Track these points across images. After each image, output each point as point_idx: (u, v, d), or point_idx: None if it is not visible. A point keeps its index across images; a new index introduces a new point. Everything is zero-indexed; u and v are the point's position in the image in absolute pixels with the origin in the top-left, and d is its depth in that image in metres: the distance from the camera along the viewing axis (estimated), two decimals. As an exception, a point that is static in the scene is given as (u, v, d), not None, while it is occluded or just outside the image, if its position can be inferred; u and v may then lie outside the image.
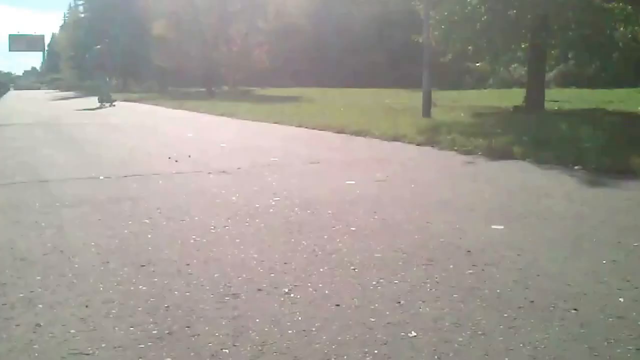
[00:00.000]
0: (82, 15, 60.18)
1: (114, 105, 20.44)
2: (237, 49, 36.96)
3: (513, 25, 14.65)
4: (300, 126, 11.67)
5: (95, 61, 21.15)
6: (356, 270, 2.98)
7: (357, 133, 9.87)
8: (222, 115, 15.52)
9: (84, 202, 4.63)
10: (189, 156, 7.20)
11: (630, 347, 2.14)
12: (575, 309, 2.48)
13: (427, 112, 12.82)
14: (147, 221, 4.01)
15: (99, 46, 21.69)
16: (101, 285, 2.76)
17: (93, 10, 55.68)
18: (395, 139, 8.98)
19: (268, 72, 41.98)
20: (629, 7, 14.36)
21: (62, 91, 48.08)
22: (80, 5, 61.40)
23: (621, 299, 2.60)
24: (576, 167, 6.21)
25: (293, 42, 48.67)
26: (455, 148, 7.76)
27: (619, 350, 2.12)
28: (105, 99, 20.80)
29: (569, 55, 27.29)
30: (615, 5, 14.34)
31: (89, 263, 3.10)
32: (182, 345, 2.16)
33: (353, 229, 3.80)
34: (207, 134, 10.68)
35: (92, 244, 3.46)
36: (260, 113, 14.69)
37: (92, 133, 10.79)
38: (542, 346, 2.14)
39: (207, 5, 35.27)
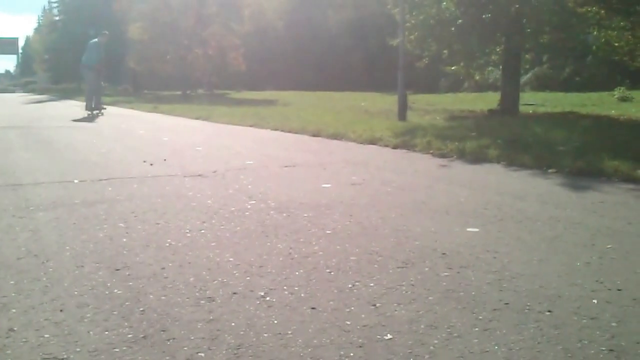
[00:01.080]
0: (57, 18, 59.67)
1: (103, 114, 16.67)
2: (213, 51, 36.83)
3: (488, 29, 14.78)
4: (276, 129, 11.66)
5: (94, 56, 16.58)
6: (332, 273, 2.98)
7: (333, 136, 9.89)
8: (197, 118, 15.46)
9: (58, 205, 4.58)
10: (165, 160, 7.16)
11: (604, 348, 2.16)
12: (549, 311, 2.50)
13: (402, 115, 12.89)
14: (122, 225, 3.98)
15: (96, 39, 17.03)
16: (76, 290, 2.74)
17: (67, 13, 55.25)
18: (371, 142, 9.01)
19: (244, 75, 41.88)
20: (602, 11, 14.57)
21: (36, 94, 47.53)
22: (54, 8, 60.92)
23: (595, 301, 2.63)
24: (550, 170, 6.28)
25: (269, 45, 48.65)
26: (431, 151, 7.81)
27: (592, 351, 2.14)
28: (96, 105, 16.95)
29: (544, 59, 27.62)
30: (589, 9, 14.54)
31: (63, 267, 3.07)
32: (157, 349, 2.15)
33: (329, 232, 3.80)
34: (182, 137, 10.62)
35: (67, 247, 3.42)
36: (236, 116, 14.66)
37: (67, 136, 10.67)
38: (517, 348, 2.16)
39: (182, 7, 35.12)
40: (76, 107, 20.36)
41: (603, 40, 15.75)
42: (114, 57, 43.84)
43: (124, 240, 3.60)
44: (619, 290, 2.75)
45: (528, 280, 2.87)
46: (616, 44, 15.81)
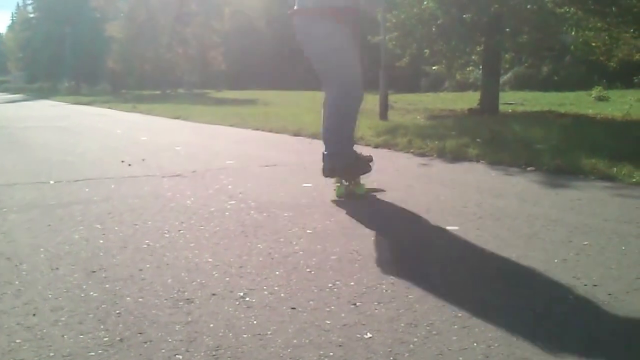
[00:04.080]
0: (31, 15, 59.06)
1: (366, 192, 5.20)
2: (193, 50, 36.70)
3: (468, 29, 14.85)
4: (256, 129, 11.63)
5: None
6: (312, 272, 2.96)
7: (314, 135, 9.86)
8: (177, 118, 15.39)
9: (32, 207, 4.52)
10: (143, 160, 7.10)
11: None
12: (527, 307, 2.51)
13: (383, 114, 12.91)
14: (98, 226, 3.93)
15: None
16: (50, 293, 2.69)
17: (42, 10, 54.68)
18: (351, 141, 8.99)
19: (225, 74, 41.80)
20: (580, 12, 14.71)
21: (10, 94, 46.92)
22: (29, 5, 60.29)
23: (571, 297, 2.64)
24: (529, 168, 6.31)
25: (250, 43, 48.52)
26: (412, 150, 7.82)
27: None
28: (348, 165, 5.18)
29: (523, 59, 27.88)
30: (567, 9, 14.68)
31: (37, 270, 3.02)
32: (134, 352, 2.11)
33: (309, 231, 3.78)
34: (161, 137, 10.56)
35: (41, 249, 3.37)
36: (216, 116, 14.62)
37: (42, 136, 10.56)
38: (496, 344, 2.16)
39: (161, 5, 34.93)
40: (52, 107, 20.05)
41: (581, 40, 15.91)
42: (92, 56, 43.51)
43: (101, 241, 3.56)
44: (595, 285, 2.76)
45: (506, 277, 2.88)
46: (593, 44, 15.98)
